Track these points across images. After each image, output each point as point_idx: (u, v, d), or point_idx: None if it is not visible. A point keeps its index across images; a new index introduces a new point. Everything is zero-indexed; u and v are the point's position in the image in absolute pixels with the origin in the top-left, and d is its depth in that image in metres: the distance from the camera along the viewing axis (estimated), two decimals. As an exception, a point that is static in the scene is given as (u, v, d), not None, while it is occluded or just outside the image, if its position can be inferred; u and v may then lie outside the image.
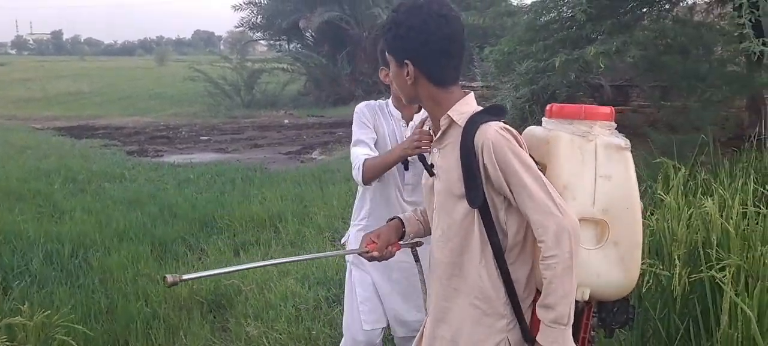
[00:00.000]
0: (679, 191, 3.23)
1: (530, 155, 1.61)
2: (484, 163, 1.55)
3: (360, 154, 2.35)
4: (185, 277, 1.67)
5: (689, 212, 2.83)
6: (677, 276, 2.25)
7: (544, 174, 1.58)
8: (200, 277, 1.76)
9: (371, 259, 1.92)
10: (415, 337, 2.38)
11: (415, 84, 1.66)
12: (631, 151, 1.64)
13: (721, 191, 2.91)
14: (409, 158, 2.30)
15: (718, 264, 2.30)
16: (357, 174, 2.35)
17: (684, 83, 7.10)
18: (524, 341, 1.63)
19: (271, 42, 21.52)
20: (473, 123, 1.58)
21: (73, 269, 4.56)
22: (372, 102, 2.48)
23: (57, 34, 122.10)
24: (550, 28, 7.87)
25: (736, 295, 2.08)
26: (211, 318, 3.71)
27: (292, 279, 4.06)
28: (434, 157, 1.73)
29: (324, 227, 5.36)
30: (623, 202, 1.59)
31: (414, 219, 1.94)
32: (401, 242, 1.92)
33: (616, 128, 1.66)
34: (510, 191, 1.54)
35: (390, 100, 2.45)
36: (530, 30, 8.03)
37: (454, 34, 1.63)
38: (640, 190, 4.27)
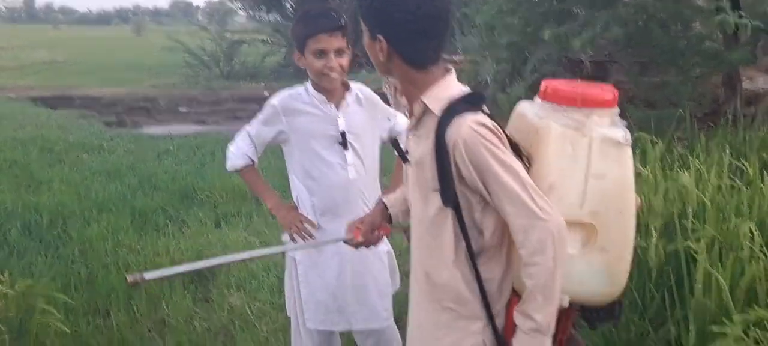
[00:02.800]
0: (656, 165, 3.30)
1: (515, 143, 1.50)
2: (456, 162, 1.42)
3: (242, 150, 2.33)
4: (146, 276, 1.63)
5: (666, 185, 2.89)
6: (653, 247, 2.30)
7: (530, 168, 1.48)
8: (162, 276, 1.74)
9: (357, 246, 1.86)
10: (369, 330, 2.38)
11: (388, 60, 1.51)
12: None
13: (697, 164, 2.97)
14: (347, 137, 2.24)
15: (693, 235, 2.35)
16: (231, 168, 2.36)
17: (662, 59, 7.18)
18: (498, 344, 1.53)
19: (250, 13, 21.20)
20: (448, 115, 1.44)
21: (52, 240, 4.53)
22: (292, 91, 2.31)
23: (29, 2, 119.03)
24: (531, 1, 7.87)
25: (709, 265, 2.13)
26: (193, 289, 3.71)
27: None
28: (409, 143, 1.59)
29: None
30: (616, 204, 1.45)
31: (400, 200, 1.83)
32: (392, 226, 1.84)
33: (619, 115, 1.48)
34: (487, 192, 1.41)
35: (310, 85, 2.29)
36: (511, 0, 8.00)
37: (438, 12, 1.48)
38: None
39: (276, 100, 2.30)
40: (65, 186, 5.87)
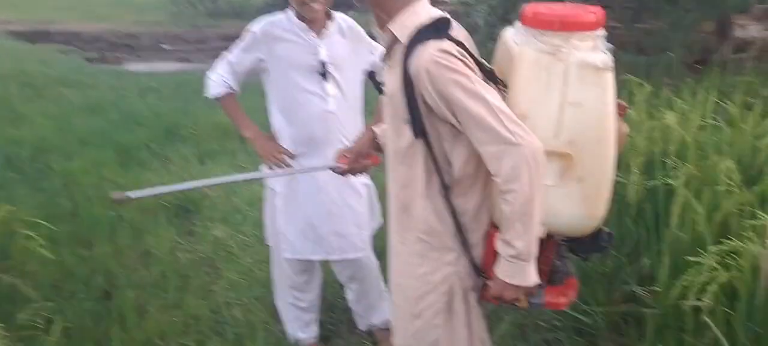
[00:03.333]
0: (642, 107, 3.31)
1: (490, 69, 1.47)
2: (421, 92, 1.40)
3: (222, 78, 2.31)
4: (131, 195, 1.62)
5: (650, 125, 2.91)
6: (632, 184, 2.32)
7: (506, 95, 1.45)
8: (146, 195, 1.72)
9: (343, 173, 1.85)
10: (346, 260, 2.40)
11: None
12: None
13: (682, 105, 2.98)
14: (327, 67, 2.20)
15: (673, 172, 2.38)
16: (210, 95, 2.35)
17: (655, 4, 7.12)
18: (475, 274, 1.56)
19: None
20: (413, 44, 1.40)
21: (34, 173, 4.49)
22: (273, 18, 2.26)
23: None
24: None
25: (687, 199, 2.17)
26: (177, 222, 3.71)
27: (258, 185, 4.07)
28: (385, 74, 1.58)
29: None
30: (594, 132, 1.39)
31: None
32: (380, 156, 1.82)
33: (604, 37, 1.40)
34: (456, 120, 1.39)
35: (291, 13, 2.23)
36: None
37: None
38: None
39: (256, 26, 2.26)
40: (46, 120, 5.78)
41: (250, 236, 3.40)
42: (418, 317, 1.59)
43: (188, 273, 3.13)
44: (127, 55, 11.06)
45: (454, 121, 1.40)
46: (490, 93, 1.38)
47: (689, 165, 2.36)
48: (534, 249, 1.42)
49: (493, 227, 1.53)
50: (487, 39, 8.31)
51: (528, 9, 1.45)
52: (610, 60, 1.40)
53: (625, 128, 1.58)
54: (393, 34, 1.46)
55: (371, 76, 1.78)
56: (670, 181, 2.25)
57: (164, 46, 12.36)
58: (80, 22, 15.56)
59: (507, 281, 1.45)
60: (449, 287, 1.56)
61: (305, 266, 2.43)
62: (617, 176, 2.58)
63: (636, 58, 6.15)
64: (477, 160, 1.47)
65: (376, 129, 1.85)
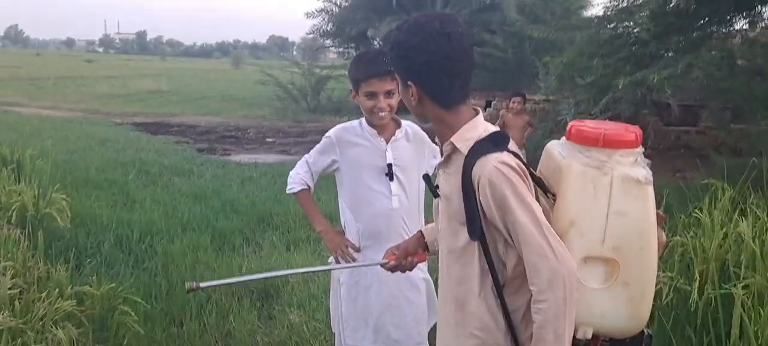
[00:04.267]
0: (722, 212, 3.24)
1: (541, 179, 1.59)
2: (480, 199, 1.51)
3: (300, 176, 2.55)
4: (202, 285, 1.81)
5: (723, 232, 2.85)
6: (696, 291, 2.29)
7: (553, 205, 1.55)
8: (215, 286, 1.92)
9: (391, 270, 1.98)
10: None
11: (420, 104, 1.62)
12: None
13: (757, 212, 2.91)
14: (394, 170, 2.41)
15: (741, 282, 2.33)
16: (289, 191, 2.57)
17: (748, 106, 6.89)
18: None
19: (340, 49, 21.95)
20: (473, 154, 1.53)
21: (140, 253, 4.92)
22: (348, 125, 2.53)
23: (141, 35, 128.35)
24: (614, 44, 7.78)
25: (752, 310, 2.11)
26: (259, 305, 3.95)
27: (329, 275, 4.28)
28: (440, 179, 1.70)
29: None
30: (637, 240, 1.48)
31: (436, 230, 1.91)
32: (429, 253, 1.95)
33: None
34: (505, 228, 1.49)
35: (364, 120, 2.49)
36: (592, 44, 7.95)
37: (458, 53, 1.56)
38: (686, 212, 4.20)
39: (332, 132, 2.53)
40: (155, 205, 6.35)
41: (322, 322, 3.56)
42: None
43: (264, 355, 3.31)
44: (234, 146, 11.90)
45: (503, 228, 1.49)
46: (538, 208, 1.49)
47: (759, 277, 2.30)
48: None
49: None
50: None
51: (572, 126, 1.59)
52: (650, 175, 1.51)
53: (663, 237, 1.64)
54: (453, 145, 1.59)
55: (426, 178, 1.94)
56: (734, 291, 2.20)
57: (268, 138, 13.20)
58: (195, 116, 16.98)
59: None
60: None
61: None
62: (682, 283, 2.56)
63: (730, 161, 5.94)
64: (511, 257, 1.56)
65: (424, 229, 1.99)
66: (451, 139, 1.60)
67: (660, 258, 1.59)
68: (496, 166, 1.48)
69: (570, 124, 1.61)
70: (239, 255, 4.93)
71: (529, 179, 1.55)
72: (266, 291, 4.14)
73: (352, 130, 2.51)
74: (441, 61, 1.55)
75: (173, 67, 48.38)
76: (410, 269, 2.00)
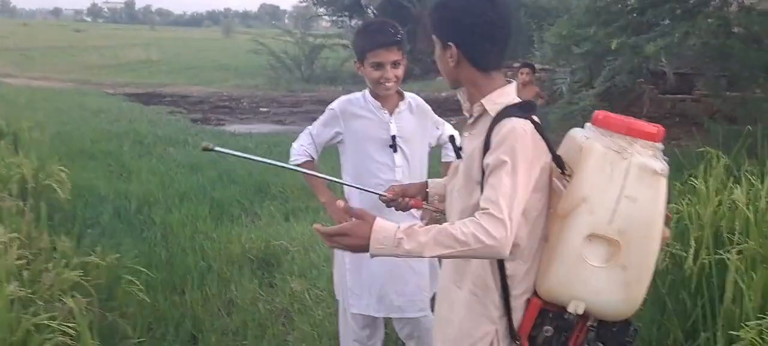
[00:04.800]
0: (716, 180, 3.29)
1: (559, 156, 1.61)
2: (488, 140, 1.56)
3: (304, 148, 2.56)
4: (217, 148, 1.82)
5: (719, 198, 2.90)
6: (691, 257, 2.35)
7: (569, 182, 1.58)
8: (228, 153, 1.94)
9: (387, 204, 1.97)
10: (406, 319, 2.55)
11: (457, 67, 1.66)
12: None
13: (752, 179, 2.96)
14: (398, 142, 2.42)
15: (735, 248, 2.38)
16: (291, 160, 2.56)
17: (746, 73, 6.93)
18: (510, 338, 1.65)
19: (334, 18, 21.80)
20: (501, 116, 1.58)
21: (138, 223, 4.95)
22: (351, 96, 2.53)
23: (130, 4, 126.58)
24: (610, 11, 7.77)
25: (746, 274, 2.17)
26: (260, 274, 3.99)
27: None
28: (464, 140, 1.74)
29: (371, 198, 5.59)
30: (643, 228, 1.53)
31: (441, 186, 1.96)
32: (425, 203, 1.97)
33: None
34: (483, 173, 1.54)
35: (367, 92, 2.50)
36: (589, 12, 7.93)
37: (500, 18, 1.63)
38: (682, 179, 4.25)
39: (336, 104, 2.54)
40: (152, 176, 6.37)
41: (324, 289, 3.62)
42: None
43: (266, 323, 3.37)
44: (227, 116, 11.87)
45: (485, 168, 1.54)
46: (525, 180, 1.52)
47: (752, 242, 2.36)
48: (413, 251, 1.50)
49: (536, 296, 1.65)
50: (568, 104, 8.34)
51: (599, 113, 1.63)
52: (666, 168, 1.55)
53: (668, 234, 1.67)
54: (483, 107, 1.64)
55: (451, 139, 1.95)
56: (726, 256, 2.26)
57: (262, 108, 13.17)
58: (187, 85, 16.86)
59: (371, 234, 1.53)
60: (489, 344, 1.67)
61: (368, 322, 2.60)
62: (678, 248, 2.62)
63: (724, 128, 5.99)
64: (531, 229, 1.60)
65: (430, 181, 2.01)
66: (482, 100, 1.64)
67: (660, 250, 1.62)
68: (514, 126, 1.54)
69: (597, 112, 1.65)
70: (238, 225, 4.97)
71: (548, 153, 1.60)
72: (266, 260, 4.19)
73: (356, 102, 2.52)
74: (484, 25, 1.61)
75: (163, 36, 47.88)
76: (404, 209, 1.98)
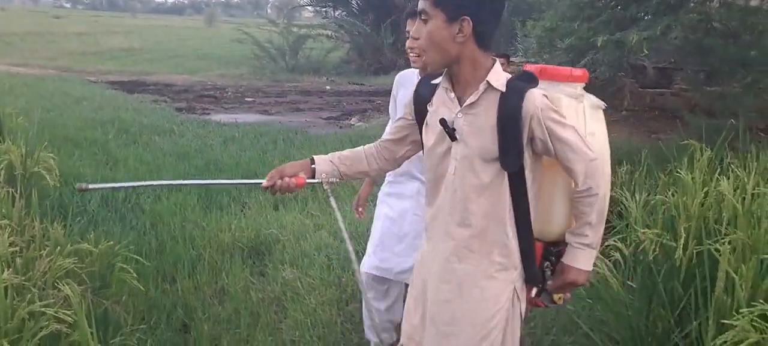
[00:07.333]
0: (701, 171, 3.36)
1: None
2: (531, 128, 1.64)
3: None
4: (91, 186, 1.82)
5: (704, 190, 2.97)
6: (681, 247, 2.41)
7: None
8: (104, 188, 1.94)
9: (265, 189, 1.91)
10: (375, 277, 2.68)
11: (462, 43, 1.65)
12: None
13: (738, 171, 3.03)
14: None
15: (724, 238, 2.45)
16: None
17: (725, 68, 7.05)
18: (532, 281, 1.79)
19: (317, 8, 21.70)
20: (516, 90, 1.64)
21: (127, 212, 4.93)
22: (408, 70, 2.63)
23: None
24: (594, 6, 7.84)
25: (734, 266, 2.24)
26: (251, 263, 4.01)
27: (325, 232, 4.37)
28: (458, 122, 1.71)
29: (357, 187, 5.60)
30: (603, 155, 1.77)
31: (328, 161, 1.95)
32: (308, 179, 1.91)
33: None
34: (554, 149, 1.66)
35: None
36: (573, 6, 8.00)
37: (503, 3, 1.75)
38: (665, 171, 4.36)
39: (398, 74, 2.68)
40: (139, 164, 6.33)
41: (316, 278, 3.64)
42: (486, 339, 1.74)
43: (259, 311, 3.39)
44: (212, 106, 11.80)
45: (551, 150, 1.67)
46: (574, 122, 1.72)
47: (740, 233, 2.43)
48: (600, 242, 1.75)
49: (538, 241, 1.80)
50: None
51: (536, 68, 1.81)
52: (603, 102, 1.85)
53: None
54: (489, 83, 1.67)
55: (442, 122, 1.98)
56: (716, 247, 2.32)
57: (247, 98, 13.09)
58: (171, 74, 16.70)
59: (580, 268, 1.74)
60: (511, 303, 1.77)
61: (378, 280, 2.70)
62: (668, 240, 2.69)
63: (704, 122, 6.10)
64: (533, 177, 1.72)
65: (317, 158, 1.95)
66: (487, 78, 1.68)
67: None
68: (544, 99, 1.66)
69: (530, 66, 1.82)
70: (227, 213, 4.97)
71: None
72: (257, 249, 4.20)
73: (409, 73, 2.62)
74: (496, 5, 1.70)
75: (144, 24, 47.23)
76: (287, 192, 1.91)
